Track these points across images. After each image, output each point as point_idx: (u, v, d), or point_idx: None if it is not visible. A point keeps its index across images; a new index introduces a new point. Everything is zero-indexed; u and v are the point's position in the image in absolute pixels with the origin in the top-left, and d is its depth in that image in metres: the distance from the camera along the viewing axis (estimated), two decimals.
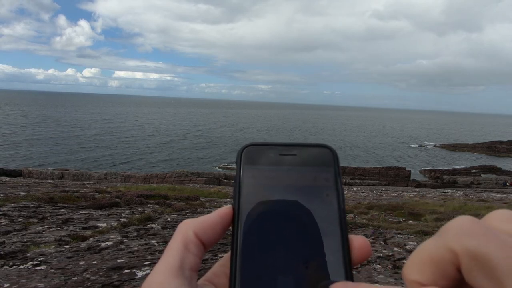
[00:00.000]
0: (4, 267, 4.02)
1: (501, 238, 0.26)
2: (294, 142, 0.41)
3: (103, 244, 4.97)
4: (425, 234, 6.07)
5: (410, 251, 4.55)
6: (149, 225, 6.40)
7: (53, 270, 3.84)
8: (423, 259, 0.29)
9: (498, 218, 0.29)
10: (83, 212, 7.63)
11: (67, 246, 4.90)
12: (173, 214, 7.88)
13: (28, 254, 4.47)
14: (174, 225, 6.40)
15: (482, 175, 43.81)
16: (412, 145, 78.11)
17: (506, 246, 0.26)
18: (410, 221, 9.26)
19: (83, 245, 4.96)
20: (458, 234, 0.27)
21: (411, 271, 0.29)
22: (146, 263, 4.08)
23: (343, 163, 46.63)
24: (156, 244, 5.06)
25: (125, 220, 6.83)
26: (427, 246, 0.29)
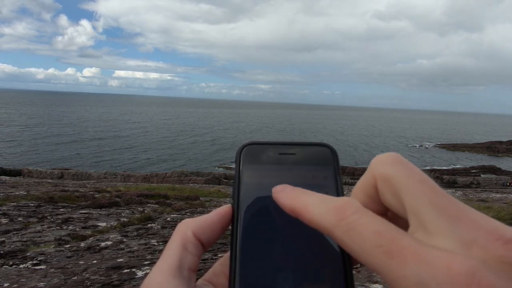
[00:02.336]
0: (4, 266, 4.02)
1: (406, 165, 0.33)
2: (294, 141, 0.41)
3: (103, 244, 4.97)
4: None
5: None
6: (149, 225, 6.40)
7: (52, 270, 3.84)
8: (356, 186, 0.36)
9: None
10: (83, 211, 7.62)
11: (67, 246, 4.90)
12: (173, 214, 7.88)
13: (28, 254, 4.47)
14: (174, 225, 6.40)
15: (482, 175, 43.83)
16: (412, 145, 78.14)
17: (408, 169, 0.33)
18: None
19: (83, 244, 4.96)
20: (377, 163, 0.34)
21: (353, 194, 0.36)
22: (146, 262, 4.08)
23: (343, 163, 46.64)
24: (156, 243, 5.06)
25: (125, 219, 6.83)
26: (362, 177, 0.36)
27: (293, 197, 0.34)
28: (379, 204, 0.34)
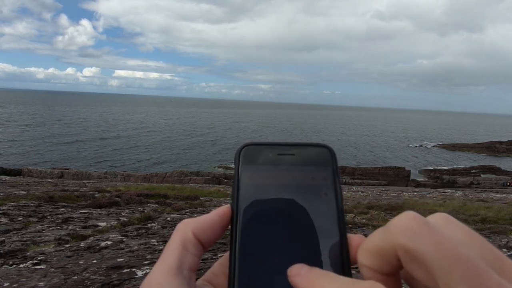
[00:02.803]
0: (4, 266, 4.03)
1: (435, 235, 0.29)
2: (293, 142, 0.41)
3: (102, 243, 4.97)
4: None
5: None
6: (149, 225, 6.41)
7: (52, 269, 3.84)
8: (371, 248, 0.33)
9: (440, 219, 0.33)
10: (83, 211, 7.63)
11: (67, 245, 4.90)
12: (173, 214, 7.89)
13: (28, 253, 4.48)
14: (173, 225, 6.40)
15: (482, 175, 43.83)
16: (412, 145, 78.13)
17: (438, 244, 0.28)
18: None
19: (82, 244, 4.96)
20: (397, 231, 0.30)
21: (362, 257, 0.33)
22: (146, 262, 4.08)
23: (343, 163, 46.64)
24: (156, 243, 5.06)
25: (125, 219, 6.83)
26: (375, 237, 0.33)
27: (311, 282, 0.32)
28: (397, 267, 0.32)
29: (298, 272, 0.33)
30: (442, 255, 0.28)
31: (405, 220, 0.30)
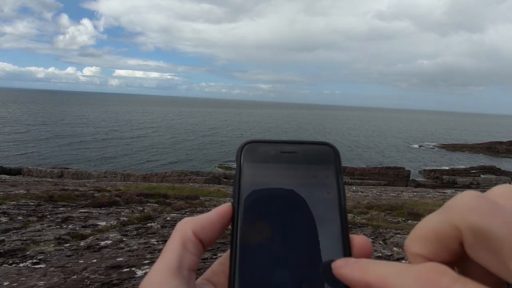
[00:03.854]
0: (4, 265, 4.02)
1: (505, 214, 0.26)
2: (295, 140, 0.40)
3: (102, 243, 4.97)
4: None
5: None
6: (148, 224, 6.40)
7: (52, 269, 3.83)
8: (426, 233, 0.29)
9: (502, 193, 0.29)
10: (83, 210, 7.62)
11: (67, 245, 4.89)
12: (173, 213, 7.88)
13: (28, 253, 4.47)
14: (173, 224, 6.40)
15: (482, 176, 43.83)
16: (412, 145, 78.11)
17: (509, 222, 0.26)
18: (410, 221, 9.26)
19: (82, 243, 4.96)
20: (462, 209, 0.27)
21: (414, 245, 0.30)
22: (146, 262, 4.07)
23: (342, 163, 46.46)
24: (155, 243, 5.06)
25: (125, 219, 6.83)
26: (431, 221, 0.29)
27: (363, 270, 0.30)
28: (455, 255, 0.29)
29: (346, 263, 0.32)
30: None
31: (470, 198, 0.27)
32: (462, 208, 0.27)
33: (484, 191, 0.31)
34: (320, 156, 0.40)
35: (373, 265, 0.30)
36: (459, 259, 0.29)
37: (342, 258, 0.33)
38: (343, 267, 0.31)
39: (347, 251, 0.35)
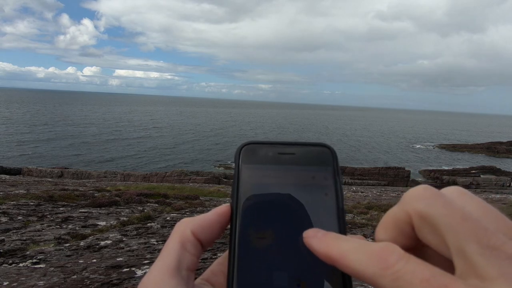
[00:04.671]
0: (4, 265, 4.02)
1: (444, 200, 0.31)
2: (293, 141, 0.41)
3: (102, 243, 4.97)
4: None
5: None
6: (148, 224, 6.40)
7: (52, 269, 3.84)
8: (386, 221, 0.34)
9: (450, 190, 0.35)
10: (83, 210, 7.63)
11: (67, 245, 4.90)
12: (173, 213, 7.89)
13: (28, 252, 4.47)
14: (173, 224, 6.39)
15: (482, 176, 43.84)
16: (412, 145, 78.14)
17: (447, 206, 0.30)
18: None
19: (82, 243, 4.96)
20: (411, 198, 0.32)
21: (379, 232, 0.34)
22: (146, 261, 4.08)
23: (343, 163, 46.62)
24: (155, 243, 5.06)
25: (125, 218, 6.83)
26: (391, 210, 0.34)
27: (327, 243, 0.33)
28: (412, 239, 0.33)
29: (315, 234, 0.35)
30: (451, 216, 0.29)
31: (418, 189, 0.32)
32: (412, 197, 0.32)
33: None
34: (318, 157, 0.40)
35: (337, 240, 0.33)
36: (419, 248, 0.33)
37: (313, 229, 0.35)
38: (312, 237, 0.35)
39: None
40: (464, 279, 0.28)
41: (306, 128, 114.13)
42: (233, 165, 0.40)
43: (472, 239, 0.28)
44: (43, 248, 4.68)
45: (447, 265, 0.30)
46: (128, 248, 4.70)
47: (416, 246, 0.33)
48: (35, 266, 3.99)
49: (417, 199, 0.31)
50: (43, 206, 7.79)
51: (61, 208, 7.73)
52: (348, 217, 9.36)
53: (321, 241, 0.34)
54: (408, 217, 0.32)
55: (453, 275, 0.28)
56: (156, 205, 9.20)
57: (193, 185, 24.05)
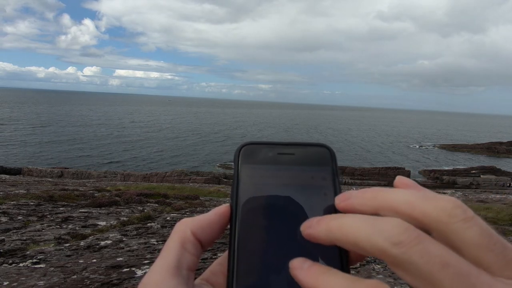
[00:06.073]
0: (4, 265, 4.02)
1: (419, 244, 0.28)
2: (292, 141, 0.41)
3: (102, 243, 4.97)
4: None
5: None
6: (148, 224, 6.40)
7: (52, 269, 3.84)
8: (351, 238, 0.32)
9: (441, 211, 0.31)
10: (83, 210, 7.63)
11: (67, 245, 4.90)
12: (173, 213, 7.88)
13: (28, 252, 4.47)
14: (173, 224, 6.39)
15: (482, 176, 43.82)
16: (412, 145, 78.14)
17: (423, 253, 0.28)
18: None
19: (82, 243, 4.96)
20: (385, 240, 0.29)
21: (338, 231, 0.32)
22: (146, 261, 4.08)
23: (343, 163, 46.60)
24: (155, 243, 5.06)
25: (125, 218, 6.84)
26: (359, 228, 0.31)
27: (314, 277, 0.31)
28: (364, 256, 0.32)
29: (301, 266, 0.33)
30: (430, 265, 0.27)
31: (391, 225, 0.29)
32: (386, 238, 0.29)
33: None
34: (317, 157, 0.40)
35: (324, 275, 0.31)
36: None
37: (299, 258, 0.34)
38: (297, 269, 0.33)
39: (343, 252, 0.35)
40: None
41: (310, 129, 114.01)
42: (233, 165, 0.40)
43: (481, 243, 0.28)
44: (43, 248, 4.68)
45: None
46: (128, 248, 4.70)
47: None
48: (35, 266, 3.99)
49: (389, 240, 0.29)
50: (43, 206, 7.79)
51: (61, 208, 7.73)
52: None
53: (308, 274, 0.32)
54: (379, 251, 0.29)
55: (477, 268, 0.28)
56: (156, 205, 9.20)
57: (193, 185, 24.05)
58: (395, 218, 0.30)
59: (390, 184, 37.44)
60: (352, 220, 0.31)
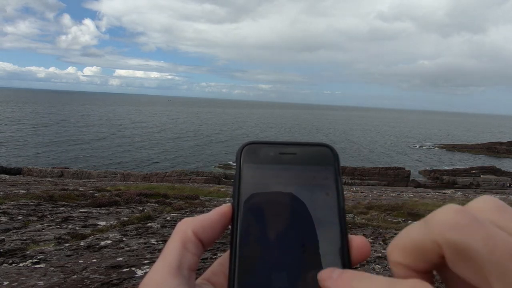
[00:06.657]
0: (4, 265, 4.02)
1: (484, 230, 0.26)
2: (294, 141, 0.41)
3: (102, 243, 4.97)
4: None
5: None
6: (148, 224, 6.40)
7: (52, 268, 3.84)
8: (406, 244, 0.30)
9: (482, 206, 0.29)
10: (83, 210, 7.63)
11: (67, 245, 4.90)
12: (173, 213, 7.88)
13: (28, 252, 4.47)
14: (173, 224, 6.40)
15: (482, 176, 43.81)
16: (412, 145, 78.12)
17: (489, 238, 0.25)
18: (410, 221, 9.26)
19: (82, 243, 4.96)
20: (442, 225, 0.27)
21: (395, 253, 0.30)
22: (146, 261, 4.08)
23: (343, 163, 46.45)
24: (155, 242, 5.06)
25: (125, 218, 6.83)
26: (412, 233, 0.29)
27: (348, 284, 0.29)
28: (434, 264, 0.29)
29: (330, 275, 0.31)
30: (497, 252, 0.25)
31: (450, 213, 0.27)
32: (442, 224, 0.27)
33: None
34: (319, 157, 0.40)
35: (356, 281, 0.29)
36: (440, 266, 0.29)
37: (328, 269, 0.33)
38: (327, 280, 0.31)
39: (346, 253, 0.35)
40: None
41: (310, 129, 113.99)
42: (233, 165, 0.40)
43: None
44: (43, 248, 4.68)
45: None
46: (128, 248, 4.70)
47: (436, 268, 0.29)
48: (35, 266, 3.99)
49: (450, 228, 0.26)
50: (43, 206, 7.79)
51: (61, 208, 7.73)
52: (348, 217, 9.37)
53: (339, 283, 0.30)
54: (437, 246, 0.27)
55: None
56: (156, 205, 9.20)
57: (193, 185, 24.05)
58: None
59: (390, 184, 37.43)
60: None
